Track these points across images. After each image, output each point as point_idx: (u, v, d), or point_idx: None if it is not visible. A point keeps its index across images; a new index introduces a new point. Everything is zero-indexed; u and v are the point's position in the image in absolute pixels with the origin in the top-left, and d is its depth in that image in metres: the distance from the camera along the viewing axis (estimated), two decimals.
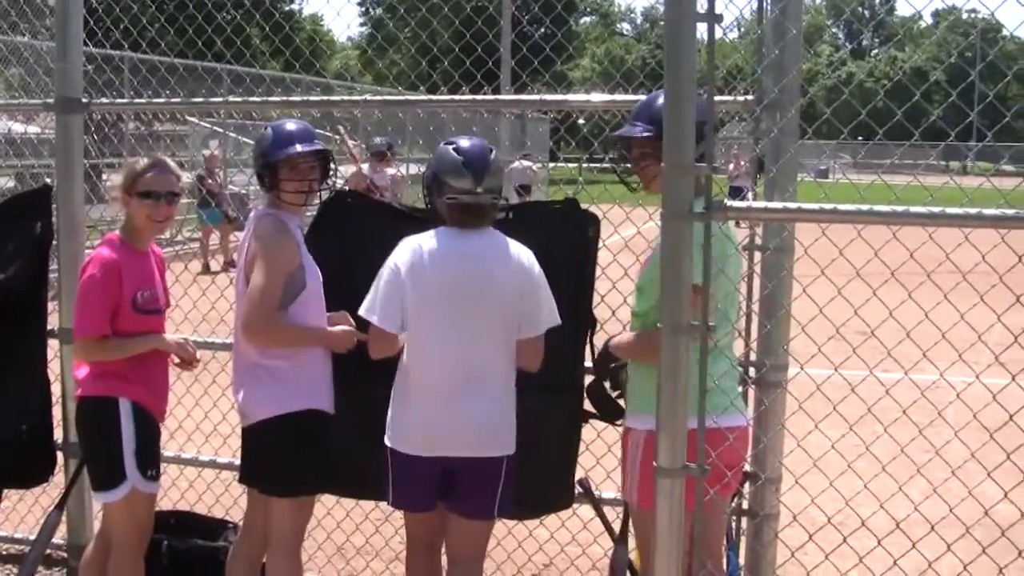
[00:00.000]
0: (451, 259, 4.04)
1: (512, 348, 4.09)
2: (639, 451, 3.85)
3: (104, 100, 5.93)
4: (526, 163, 24.59)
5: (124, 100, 6.31)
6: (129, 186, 4.42)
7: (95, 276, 4.32)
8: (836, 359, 4.29)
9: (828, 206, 3.11)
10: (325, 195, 4.53)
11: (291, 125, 4.39)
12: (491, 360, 4.06)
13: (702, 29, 3.06)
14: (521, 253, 4.09)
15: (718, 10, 3.04)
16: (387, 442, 4.18)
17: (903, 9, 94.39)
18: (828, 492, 4.55)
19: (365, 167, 12.29)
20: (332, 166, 4.49)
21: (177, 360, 4.52)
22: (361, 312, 4.13)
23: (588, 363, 4.53)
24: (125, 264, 4.36)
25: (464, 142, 4.14)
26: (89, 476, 4.54)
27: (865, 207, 3.05)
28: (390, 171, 13.99)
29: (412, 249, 4.08)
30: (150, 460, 4.40)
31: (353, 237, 4.80)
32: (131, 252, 4.42)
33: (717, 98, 3.95)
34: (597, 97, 4.98)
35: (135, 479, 4.34)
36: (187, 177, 19.42)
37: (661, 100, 3.44)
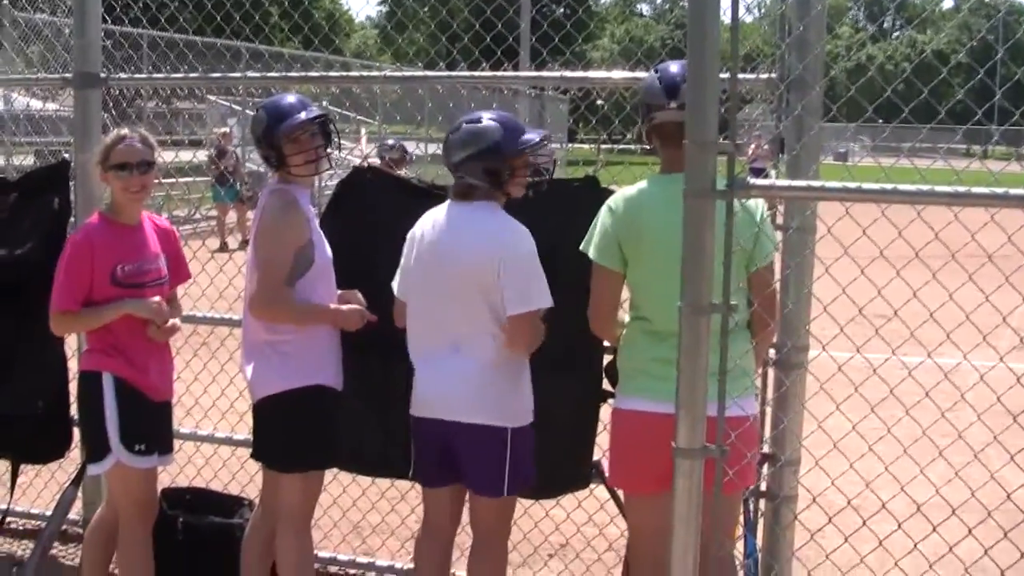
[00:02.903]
0: (434, 229, 4.13)
1: (502, 323, 4.03)
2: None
3: (123, 75, 5.90)
4: None
5: (143, 76, 6.29)
6: (103, 160, 4.45)
7: (65, 253, 4.40)
8: (858, 340, 4.25)
9: (852, 185, 3.05)
10: (334, 160, 4.50)
11: (286, 99, 4.37)
12: (470, 330, 4.04)
13: (725, 6, 3.01)
14: (506, 229, 4.03)
15: None
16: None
17: None
18: (848, 475, 4.52)
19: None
20: (334, 131, 4.47)
21: (154, 329, 4.46)
22: (393, 283, 4.25)
23: (606, 342, 4.50)
24: (101, 238, 4.38)
25: (466, 115, 4.18)
26: (83, 448, 4.62)
27: (889, 186, 3.00)
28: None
29: (420, 220, 4.21)
30: (137, 436, 4.40)
31: (372, 214, 4.79)
32: (112, 226, 4.44)
33: (739, 76, 3.90)
34: (618, 74, 4.93)
35: (119, 453, 4.36)
36: (202, 154, 19.55)
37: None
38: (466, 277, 4.01)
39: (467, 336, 4.05)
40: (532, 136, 4.13)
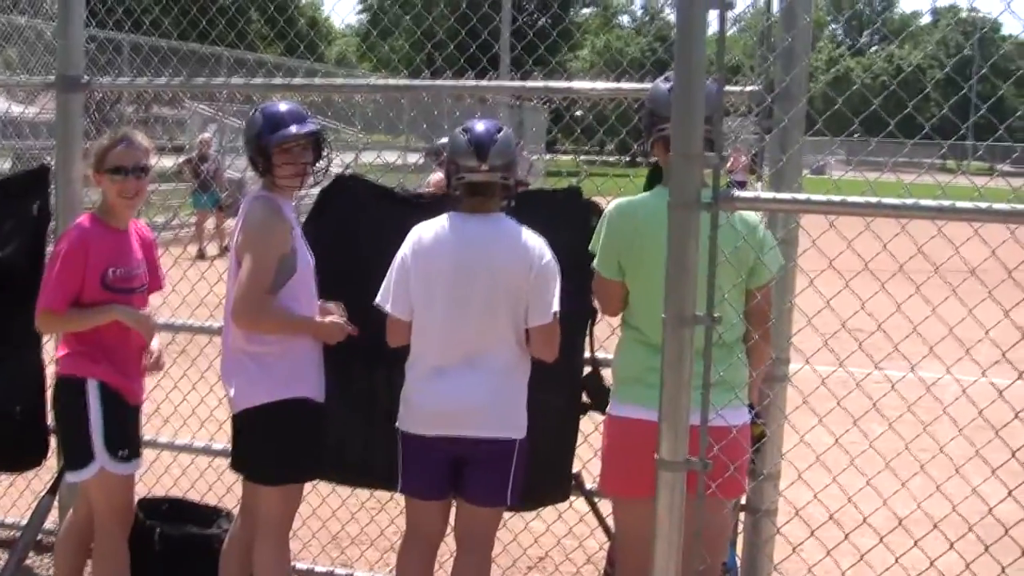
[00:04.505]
0: (452, 242, 4.07)
1: (518, 333, 4.06)
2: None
3: (105, 79, 5.86)
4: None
5: (125, 80, 6.25)
6: (98, 163, 4.42)
7: (59, 251, 4.36)
8: (841, 354, 4.25)
9: (836, 198, 3.06)
10: (320, 175, 4.47)
11: (282, 107, 4.33)
12: (491, 343, 4.05)
13: (712, 17, 3.01)
14: (530, 240, 4.06)
15: None
16: (397, 424, 4.19)
17: (903, 6, 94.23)
18: (829, 488, 4.51)
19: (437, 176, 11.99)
20: (324, 146, 4.44)
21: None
22: (376, 300, 4.17)
23: (587, 353, 4.49)
24: (95, 240, 4.34)
25: (475, 123, 4.13)
26: (63, 456, 4.56)
27: (874, 199, 3.00)
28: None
29: (419, 234, 4.14)
30: (120, 441, 4.38)
31: (354, 222, 4.76)
32: (105, 229, 4.41)
33: (725, 88, 3.91)
34: (602, 85, 4.93)
35: (103, 459, 4.34)
36: (180, 160, 19.42)
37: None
38: (498, 289, 4.02)
39: (486, 348, 4.05)
40: None
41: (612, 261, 3.90)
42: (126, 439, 4.41)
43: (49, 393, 5.24)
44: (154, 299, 4.83)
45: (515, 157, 4.14)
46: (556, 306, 4.04)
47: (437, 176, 11.80)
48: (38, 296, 4.36)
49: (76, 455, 4.39)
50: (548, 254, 4.06)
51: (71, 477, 4.47)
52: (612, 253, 3.89)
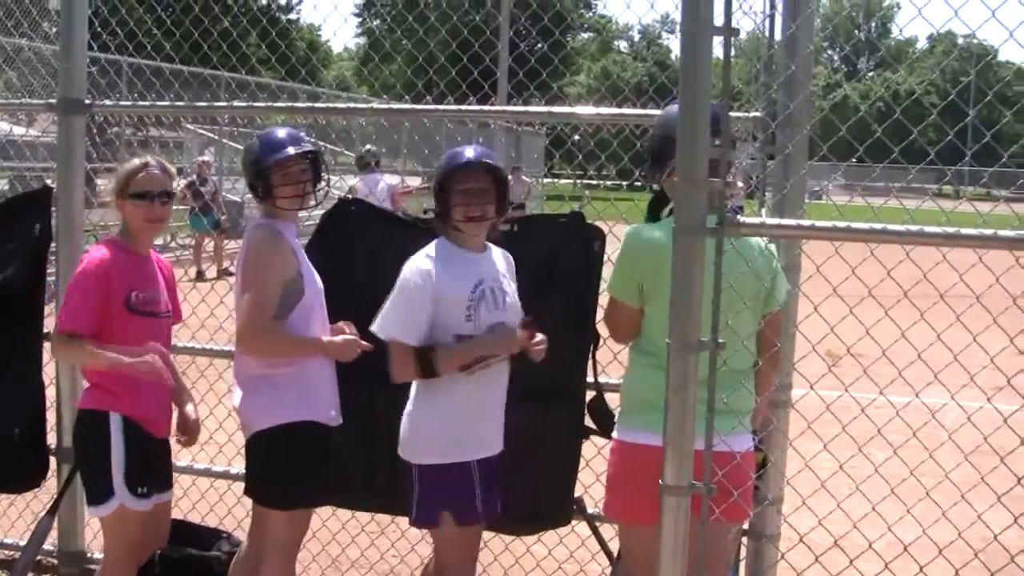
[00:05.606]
0: None
1: None
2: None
3: (108, 102, 5.87)
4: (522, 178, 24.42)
5: (128, 103, 6.27)
6: (122, 189, 4.35)
7: (81, 274, 4.24)
8: (846, 380, 4.24)
9: (841, 224, 3.07)
10: (320, 196, 4.46)
11: (280, 132, 4.34)
12: None
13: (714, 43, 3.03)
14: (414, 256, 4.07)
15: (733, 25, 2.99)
16: None
17: (898, 31, 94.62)
18: (833, 514, 4.49)
19: (357, 182, 12.33)
20: (324, 167, 4.44)
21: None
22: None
23: (590, 378, 4.48)
24: (118, 264, 4.26)
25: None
26: (84, 489, 4.47)
27: (879, 226, 3.00)
28: (390, 181, 13.66)
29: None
30: (141, 477, 4.29)
31: (356, 246, 4.76)
32: (128, 253, 4.34)
33: (731, 114, 3.91)
34: (605, 110, 4.93)
35: (123, 496, 4.25)
36: (181, 183, 19.46)
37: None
38: None
39: None
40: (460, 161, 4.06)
41: (632, 287, 3.82)
42: (147, 475, 4.34)
43: (51, 417, 5.27)
44: None
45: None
46: (384, 327, 4.02)
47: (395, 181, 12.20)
48: (60, 316, 4.23)
49: (96, 490, 4.30)
50: (405, 270, 4.02)
51: (91, 512, 4.41)
52: (632, 279, 3.81)
